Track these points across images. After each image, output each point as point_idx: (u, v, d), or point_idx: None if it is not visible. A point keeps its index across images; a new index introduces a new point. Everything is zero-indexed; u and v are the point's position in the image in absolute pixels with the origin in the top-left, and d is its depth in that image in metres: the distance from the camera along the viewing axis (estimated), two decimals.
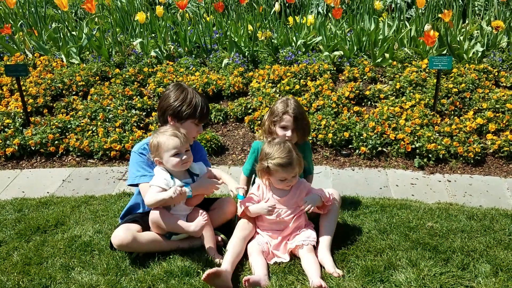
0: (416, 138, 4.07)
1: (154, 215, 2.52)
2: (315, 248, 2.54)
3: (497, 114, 4.32)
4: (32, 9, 6.61)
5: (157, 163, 2.56)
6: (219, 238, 2.68)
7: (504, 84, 4.79)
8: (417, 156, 4.02)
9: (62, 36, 5.71)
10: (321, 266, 2.44)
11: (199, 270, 2.42)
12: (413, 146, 4.04)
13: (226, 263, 2.41)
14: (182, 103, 2.63)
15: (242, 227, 2.63)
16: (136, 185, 2.65)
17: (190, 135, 2.64)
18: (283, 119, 2.80)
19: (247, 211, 2.62)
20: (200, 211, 2.55)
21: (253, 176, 3.04)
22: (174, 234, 2.60)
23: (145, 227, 2.60)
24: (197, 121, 2.67)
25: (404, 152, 4.05)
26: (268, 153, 2.55)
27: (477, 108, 4.45)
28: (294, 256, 2.55)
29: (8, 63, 5.39)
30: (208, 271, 2.24)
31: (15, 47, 5.76)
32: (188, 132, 2.61)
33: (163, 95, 2.74)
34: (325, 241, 2.57)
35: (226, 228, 2.78)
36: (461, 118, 4.35)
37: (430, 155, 3.99)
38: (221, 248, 2.64)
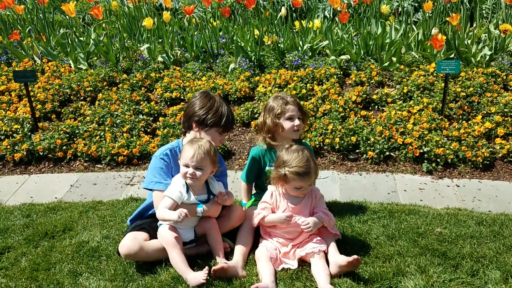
0: (424, 143, 4.04)
1: (161, 237, 2.52)
2: (326, 254, 2.53)
3: (506, 118, 4.29)
4: (40, 15, 6.67)
5: (180, 165, 2.57)
6: (226, 245, 2.67)
7: None
8: (425, 161, 3.99)
9: (70, 41, 5.76)
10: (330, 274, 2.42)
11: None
12: (421, 151, 4.01)
13: (237, 255, 2.54)
14: (208, 111, 2.65)
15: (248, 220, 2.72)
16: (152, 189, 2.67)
17: (213, 143, 2.64)
18: (288, 109, 2.78)
19: (262, 221, 2.61)
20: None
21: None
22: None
23: (153, 235, 2.60)
24: (221, 130, 2.68)
25: (412, 157, 4.02)
26: (286, 161, 2.52)
27: (485, 112, 4.42)
28: (302, 262, 2.53)
29: (16, 69, 5.44)
30: (214, 268, 2.35)
31: (23, 53, 5.81)
32: (211, 140, 2.62)
33: (189, 101, 2.77)
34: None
35: (234, 235, 2.77)
36: (469, 122, 4.32)
37: (438, 160, 3.96)
38: (228, 255, 2.63)
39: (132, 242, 2.49)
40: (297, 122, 2.79)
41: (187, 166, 2.49)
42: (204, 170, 2.51)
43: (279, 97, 2.85)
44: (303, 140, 3.11)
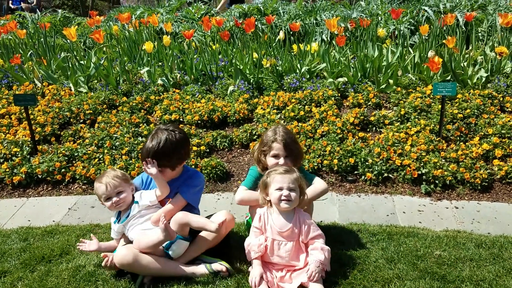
0: (422, 164, 4.05)
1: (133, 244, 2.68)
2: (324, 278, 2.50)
3: (503, 140, 4.30)
4: (42, 39, 6.77)
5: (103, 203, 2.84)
6: (224, 268, 2.64)
7: (510, 109, 4.79)
8: (423, 182, 3.99)
9: (70, 65, 5.82)
10: None
11: None
12: (420, 172, 4.01)
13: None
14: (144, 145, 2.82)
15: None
16: None
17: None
18: (273, 147, 2.79)
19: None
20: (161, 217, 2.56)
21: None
22: (169, 249, 2.64)
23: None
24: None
25: (411, 178, 4.02)
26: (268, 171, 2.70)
27: (482, 133, 4.44)
28: (301, 286, 2.51)
29: (17, 92, 5.48)
30: None
31: (24, 77, 5.86)
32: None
33: None
34: None
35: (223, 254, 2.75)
36: (467, 143, 4.34)
37: (437, 181, 3.96)
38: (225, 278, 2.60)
39: (127, 250, 2.58)
40: (281, 161, 2.78)
41: (109, 198, 2.74)
42: (124, 191, 2.77)
43: (272, 131, 2.85)
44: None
